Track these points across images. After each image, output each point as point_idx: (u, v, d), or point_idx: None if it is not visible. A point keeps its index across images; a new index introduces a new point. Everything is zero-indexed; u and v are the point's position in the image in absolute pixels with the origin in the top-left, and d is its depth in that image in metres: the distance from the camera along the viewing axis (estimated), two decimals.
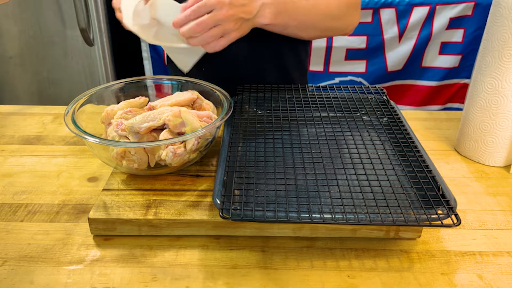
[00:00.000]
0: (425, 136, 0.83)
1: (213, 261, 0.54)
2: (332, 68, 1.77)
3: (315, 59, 1.75)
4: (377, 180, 0.57)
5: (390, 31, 1.67)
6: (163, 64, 1.75)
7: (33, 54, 1.75)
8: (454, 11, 1.63)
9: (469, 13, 1.63)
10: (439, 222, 0.50)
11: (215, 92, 0.73)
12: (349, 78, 1.78)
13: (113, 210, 0.58)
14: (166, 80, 0.79)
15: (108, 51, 1.70)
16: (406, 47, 1.70)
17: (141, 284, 0.51)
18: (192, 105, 0.70)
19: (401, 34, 1.67)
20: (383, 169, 0.59)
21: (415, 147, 0.64)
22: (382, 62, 1.73)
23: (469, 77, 1.74)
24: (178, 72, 0.80)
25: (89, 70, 1.75)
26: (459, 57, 1.72)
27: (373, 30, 1.67)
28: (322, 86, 0.83)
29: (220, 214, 0.51)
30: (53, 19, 1.68)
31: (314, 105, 0.77)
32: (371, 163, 0.60)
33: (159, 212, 0.58)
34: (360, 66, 1.75)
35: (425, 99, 1.81)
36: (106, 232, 0.58)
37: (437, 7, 1.62)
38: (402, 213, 0.51)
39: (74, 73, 1.77)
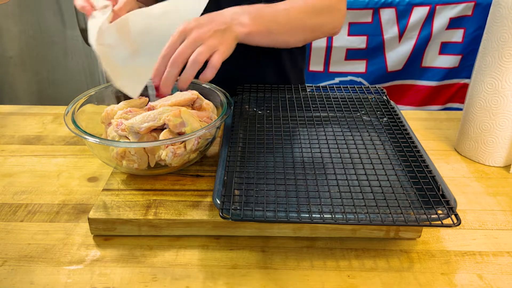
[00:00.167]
0: (425, 136, 0.83)
1: (213, 261, 0.54)
2: (332, 68, 1.77)
3: (315, 59, 1.75)
4: (377, 180, 0.57)
5: (390, 31, 1.67)
6: None
7: (33, 54, 1.76)
8: (454, 11, 1.63)
9: (469, 13, 1.63)
10: (439, 222, 0.50)
11: (215, 92, 0.73)
12: (349, 78, 1.78)
13: (113, 210, 0.58)
14: None
15: None
16: (406, 47, 1.70)
17: (141, 284, 0.51)
18: (192, 105, 0.70)
19: (401, 34, 1.68)
20: (383, 169, 0.59)
21: (415, 147, 0.64)
22: (382, 62, 1.73)
23: (469, 77, 1.74)
24: None
25: (89, 70, 1.75)
26: (459, 57, 1.72)
27: (373, 30, 1.68)
28: (322, 86, 0.83)
29: (220, 214, 0.51)
30: (53, 19, 1.68)
31: (314, 105, 0.77)
32: (371, 163, 0.60)
33: (159, 212, 0.58)
34: (360, 66, 1.75)
35: (425, 99, 1.81)
36: (106, 232, 0.58)
37: (437, 7, 1.62)
38: (402, 213, 0.51)
39: (74, 73, 1.77)
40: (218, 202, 0.53)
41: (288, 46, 0.76)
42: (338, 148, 0.64)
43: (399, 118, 0.72)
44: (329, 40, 1.70)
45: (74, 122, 0.63)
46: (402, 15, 1.64)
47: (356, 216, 0.51)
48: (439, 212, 0.51)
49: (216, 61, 0.61)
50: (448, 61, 1.73)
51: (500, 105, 0.70)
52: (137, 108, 0.69)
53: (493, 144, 0.73)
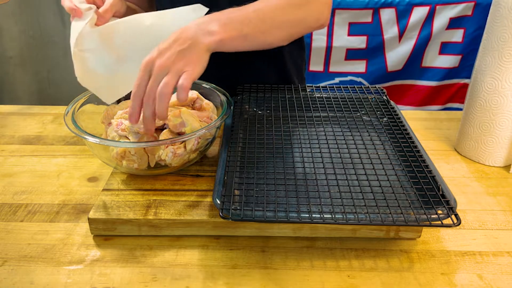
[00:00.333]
0: (425, 136, 0.83)
1: (213, 261, 0.54)
2: (332, 68, 1.77)
3: (315, 59, 1.75)
4: (377, 180, 0.57)
5: (390, 31, 1.67)
6: None
7: (33, 54, 1.76)
8: (454, 11, 1.63)
9: (469, 13, 1.63)
10: (439, 222, 0.50)
11: (215, 92, 0.73)
12: (349, 78, 1.78)
13: (113, 210, 0.58)
14: None
15: None
16: (406, 47, 1.70)
17: (141, 284, 0.51)
18: (192, 105, 0.70)
19: (401, 34, 1.67)
20: (383, 169, 0.59)
21: (415, 147, 0.64)
22: (382, 62, 1.73)
23: (469, 77, 1.74)
24: None
25: None
26: (459, 57, 1.72)
27: (373, 30, 1.67)
28: (322, 86, 0.83)
29: (220, 214, 0.51)
30: (53, 19, 1.68)
31: (314, 105, 0.77)
32: (371, 163, 0.60)
33: (159, 212, 0.58)
34: (360, 66, 1.75)
35: (425, 99, 1.81)
36: (106, 232, 0.58)
37: (437, 7, 1.62)
38: (402, 213, 0.51)
39: (74, 73, 1.77)
40: (218, 202, 0.53)
41: (271, 46, 0.72)
42: (338, 148, 0.64)
43: (399, 118, 0.72)
44: (329, 40, 1.70)
45: (74, 122, 0.63)
46: (402, 15, 1.64)
47: (356, 216, 0.51)
48: (439, 212, 0.51)
49: (185, 83, 0.58)
50: (448, 61, 1.73)
51: (500, 105, 0.70)
52: None
53: (493, 144, 0.73)
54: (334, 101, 0.78)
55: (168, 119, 0.62)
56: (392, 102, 0.78)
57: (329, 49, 1.72)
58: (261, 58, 0.86)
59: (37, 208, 0.63)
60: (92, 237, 0.58)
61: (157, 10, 0.88)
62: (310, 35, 1.69)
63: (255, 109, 0.77)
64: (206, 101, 0.71)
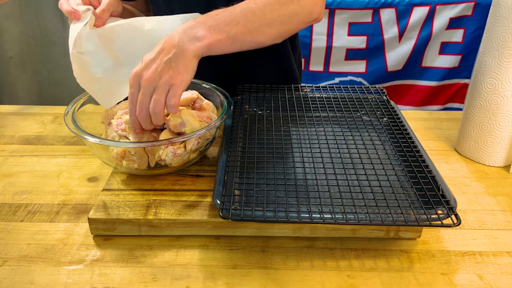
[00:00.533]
0: (425, 136, 0.83)
1: (213, 261, 0.54)
2: (332, 68, 1.77)
3: (315, 59, 1.75)
4: (377, 180, 0.57)
5: (390, 31, 1.67)
6: None
7: (33, 54, 1.76)
8: (454, 11, 1.63)
9: (469, 13, 1.63)
10: (439, 222, 0.50)
11: (215, 92, 0.73)
12: (349, 78, 1.78)
13: (113, 210, 0.58)
14: None
15: None
16: (406, 47, 1.70)
17: (141, 284, 0.51)
18: (192, 105, 0.70)
19: (401, 34, 1.67)
20: (383, 169, 0.59)
21: (415, 147, 0.64)
22: (382, 62, 1.73)
23: (469, 77, 1.74)
24: None
25: None
26: (459, 57, 1.72)
27: (373, 30, 1.67)
28: (322, 86, 0.83)
29: (220, 214, 0.51)
30: (53, 19, 1.68)
31: (314, 105, 0.77)
32: (371, 163, 0.60)
33: (159, 212, 0.58)
34: (360, 66, 1.75)
35: (425, 99, 1.81)
36: (106, 232, 0.58)
37: (437, 7, 1.62)
38: (402, 213, 0.51)
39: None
40: (218, 202, 0.53)
41: (263, 45, 0.70)
42: (338, 148, 0.64)
43: (399, 118, 0.72)
44: (329, 40, 1.70)
45: (74, 122, 0.63)
46: (402, 15, 1.64)
47: (356, 216, 0.51)
48: (439, 212, 0.51)
49: (172, 102, 0.58)
50: (448, 61, 1.73)
51: (500, 105, 0.70)
52: None
53: (493, 144, 0.73)
54: (334, 101, 0.78)
55: (168, 119, 0.62)
56: (392, 102, 0.78)
57: (329, 49, 1.72)
58: (257, 56, 0.85)
59: (37, 208, 0.63)
60: (92, 237, 0.58)
61: (153, 11, 0.88)
62: (310, 35, 1.69)
63: (255, 109, 0.77)
64: (206, 101, 0.71)
